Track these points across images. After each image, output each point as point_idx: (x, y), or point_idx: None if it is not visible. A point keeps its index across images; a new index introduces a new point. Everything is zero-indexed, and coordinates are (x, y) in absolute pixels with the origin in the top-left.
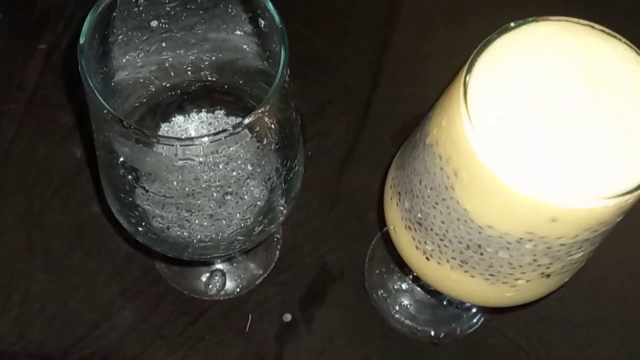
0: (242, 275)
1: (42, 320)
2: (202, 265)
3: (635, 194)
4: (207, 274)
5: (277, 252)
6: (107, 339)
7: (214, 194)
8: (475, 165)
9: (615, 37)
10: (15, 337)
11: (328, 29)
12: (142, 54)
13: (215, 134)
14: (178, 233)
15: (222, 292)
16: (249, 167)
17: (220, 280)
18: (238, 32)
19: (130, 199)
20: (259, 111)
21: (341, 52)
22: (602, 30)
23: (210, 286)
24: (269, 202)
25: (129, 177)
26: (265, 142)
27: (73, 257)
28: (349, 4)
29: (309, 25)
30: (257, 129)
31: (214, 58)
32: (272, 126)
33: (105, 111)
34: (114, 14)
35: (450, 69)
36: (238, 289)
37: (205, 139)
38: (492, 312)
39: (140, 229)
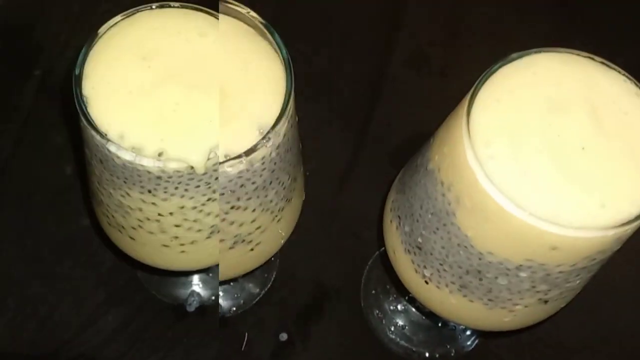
0: (239, 294)
1: (34, 323)
2: (182, 275)
3: (634, 224)
4: (186, 294)
5: (275, 271)
6: (92, 341)
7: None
8: (477, 192)
9: (615, 69)
10: (9, 338)
11: (328, 48)
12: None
13: (216, 164)
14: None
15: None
16: (252, 191)
17: (196, 299)
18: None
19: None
20: (264, 140)
21: (341, 71)
22: (602, 62)
23: (188, 304)
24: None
25: (124, 201)
26: (266, 167)
27: (63, 265)
28: (349, 24)
29: (309, 44)
30: (263, 156)
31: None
32: (275, 153)
33: (100, 140)
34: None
35: (449, 91)
36: (234, 308)
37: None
38: (486, 334)
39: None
